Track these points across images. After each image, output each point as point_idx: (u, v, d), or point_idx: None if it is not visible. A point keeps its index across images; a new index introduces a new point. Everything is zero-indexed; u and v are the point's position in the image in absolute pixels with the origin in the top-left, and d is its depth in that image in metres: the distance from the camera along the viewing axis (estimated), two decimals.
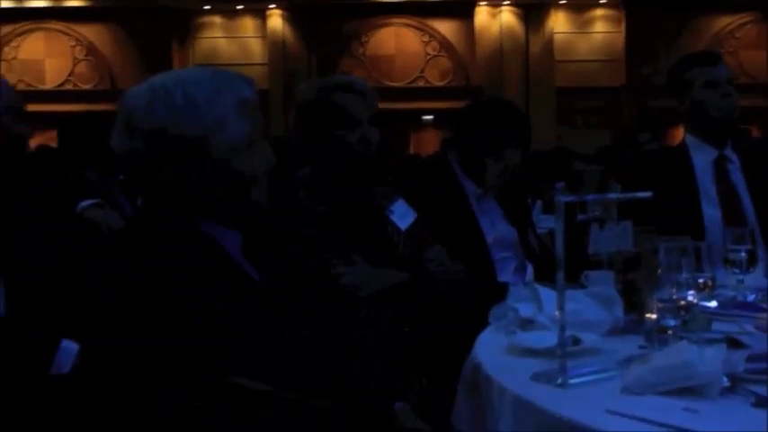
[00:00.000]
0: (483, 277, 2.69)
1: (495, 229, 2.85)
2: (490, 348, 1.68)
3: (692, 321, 1.51)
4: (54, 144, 5.19)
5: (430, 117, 17.54)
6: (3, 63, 13.48)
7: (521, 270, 2.87)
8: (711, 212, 2.74)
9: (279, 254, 1.66)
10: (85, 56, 14.15)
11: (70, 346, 1.48)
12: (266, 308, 1.46)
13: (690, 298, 1.51)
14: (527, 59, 14.53)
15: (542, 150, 8.56)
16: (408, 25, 14.59)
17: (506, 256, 2.86)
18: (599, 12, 14.54)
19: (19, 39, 13.96)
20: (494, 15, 14.38)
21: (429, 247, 2.45)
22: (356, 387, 1.55)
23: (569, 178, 7.08)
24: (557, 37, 14.44)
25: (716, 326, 1.71)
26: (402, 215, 2.46)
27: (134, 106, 1.46)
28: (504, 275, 2.80)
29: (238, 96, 1.50)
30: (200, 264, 1.42)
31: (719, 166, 2.81)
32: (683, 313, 1.51)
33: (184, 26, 14.23)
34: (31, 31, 14.00)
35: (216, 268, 1.45)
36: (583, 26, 14.56)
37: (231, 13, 14.37)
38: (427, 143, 15.78)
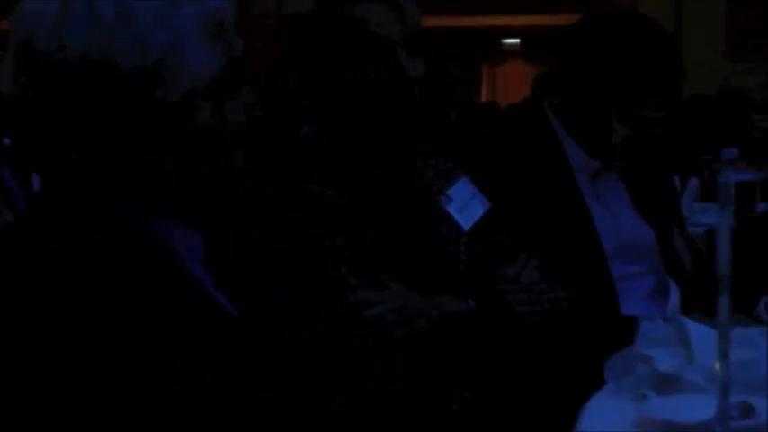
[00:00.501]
0: (596, 307, 2.70)
1: (619, 226, 2.87)
2: (608, 421, 1.70)
3: None
4: None
5: (515, 41, 17.55)
6: None
7: (660, 294, 2.89)
8: None
9: (259, 262, 1.77)
10: None
11: None
12: (236, 342, 1.57)
13: None
14: None
15: (701, 96, 8.52)
16: None
17: (637, 271, 2.88)
18: None
19: None
20: None
21: (508, 260, 2.48)
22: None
23: (745, 142, 7.04)
24: None
25: None
26: (465, 205, 2.48)
27: (34, 26, 1.49)
28: (632, 303, 2.82)
29: (204, 10, 1.54)
30: (147, 292, 1.48)
31: None
32: None
33: None
34: None
35: (170, 293, 1.51)
36: None
37: None
38: (510, 83, 15.79)
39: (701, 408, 1.57)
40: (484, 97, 16.92)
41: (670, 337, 1.88)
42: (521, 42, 17.05)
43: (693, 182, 5.47)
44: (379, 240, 2.32)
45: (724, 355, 1.40)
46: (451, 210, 2.45)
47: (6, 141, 3.36)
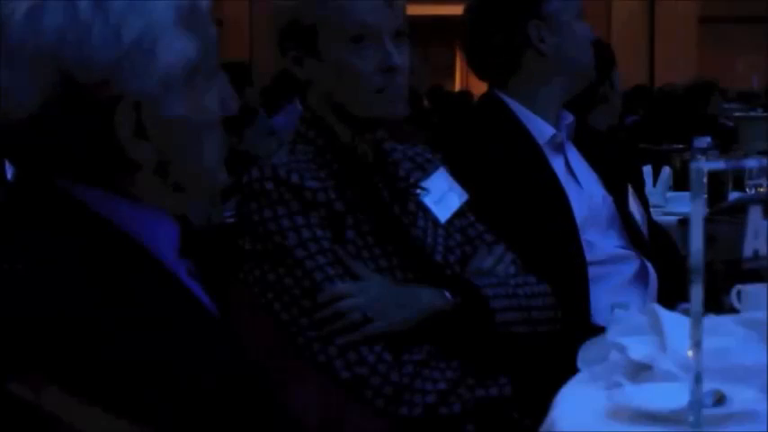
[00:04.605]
0: (567, 292, 2.65)
1: (588, 196, 2.89)
2: (581, 410, 1.70)
3: None
4: None
5: None
6: None
7: (640, 279, 2.89)
8: None
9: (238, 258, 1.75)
10: None
11: None
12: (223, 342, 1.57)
13: None
14: None
15: (673, 87, 8.54)
16: None
17: (619, 254, 2.88)
18: None
19: None
20: None
21: (484, 252, 2.49)
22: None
23: (718, 132, 7.06)
24: None
25: None
26: (442, 197, 2.49)
27: (6, 20, 1.49)
28: (615, 289, 2.81)
29: (180, 0, 1.54)
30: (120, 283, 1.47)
31: None
32: None
33: None
34: None
35: (140, 283, 1.50)
36: None
37: None
38: None
39: (673, 396, 1.57)
40: (458, 86, 16.92)
41: (643, 325, 1.88)
42: None
43: (666, 171, 5.47)
44: (357, 232, 2.32)
45: (697, 344, 1.40)
46: (428, 201, 2.45)
47: None
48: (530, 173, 2.79)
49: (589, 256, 2.77)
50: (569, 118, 2.93)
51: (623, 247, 2.89)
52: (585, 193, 2.88)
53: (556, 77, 2.89)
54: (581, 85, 2.98)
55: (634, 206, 2.98)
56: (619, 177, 3.00)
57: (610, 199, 2.92)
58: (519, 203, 2.70)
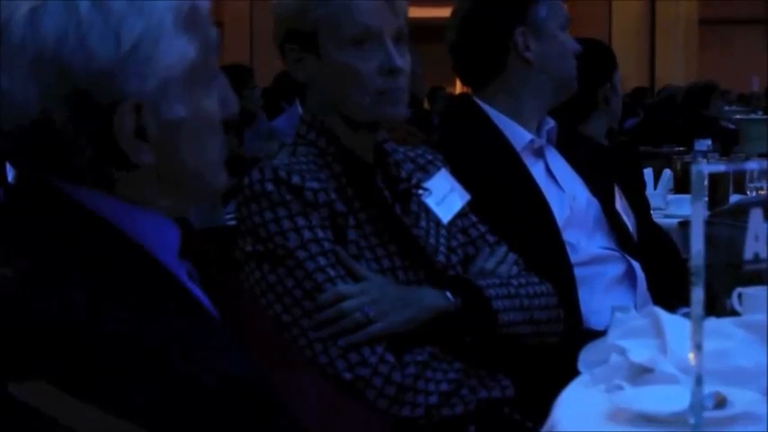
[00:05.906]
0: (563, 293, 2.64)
1: (570, 198, 2.88)
2: (581, 413, 1.70)
3: None
4: None
5: None
6: None
7: (628, 279, 2.89)
8: None
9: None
10: None
11: None
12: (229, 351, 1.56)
13: None
14: None
15: (674, 89, 8.53)
16: None
17: (603, 254, 2.87)
18: None
19: None
20: None
21: (487, 252, 2.49)
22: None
23: (718, 134, 7.07)
24: None
25: None
26: (444, 197, 2.50)
27: (6, 22, 1.49)
28: (602, 290, 2.81)
29: (179, 1, 1.54)
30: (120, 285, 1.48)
31: None
32: None
33: None
34: None
35: (139, 284, 1.50)
36: None
37: None
38: None
39: (674, 399, 1.58)
40: (458, 89, 16.92)
41: (644, 327, 1.88)
42: None
43: (667, 173, 5.47)
44: (359, 232, 2.33)
45: (697, 347, 1.40)
46: (430, 202, 2.46)
47: None
48: (506, 177, 2.79)
49: (572, 258, 2.77)
50: (550, 123, 2.93)
51: (609, 249, 2.89)
52: (567, 195, 2.87)
53: (537, 86, 2.89)
54: (563, 96, 2.97)
55: (621, 208, 2.98)
56: (606, 180, 3.01)
57: (595, 201, 2.92)
58: (498, 207, 2.68)
